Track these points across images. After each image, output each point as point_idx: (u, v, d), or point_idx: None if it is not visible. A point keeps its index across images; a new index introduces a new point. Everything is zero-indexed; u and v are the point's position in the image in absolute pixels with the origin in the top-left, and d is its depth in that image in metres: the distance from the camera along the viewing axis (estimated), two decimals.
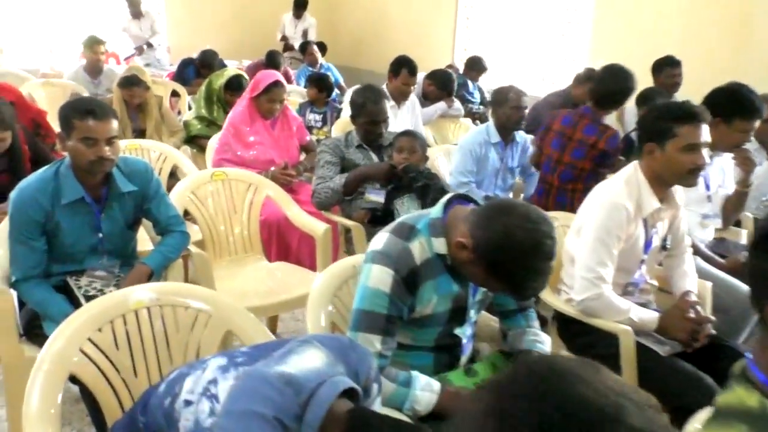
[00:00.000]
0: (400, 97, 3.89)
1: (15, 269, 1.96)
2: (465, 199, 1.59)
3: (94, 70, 4.89)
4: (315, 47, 6.28)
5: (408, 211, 2.53)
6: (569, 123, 3.03)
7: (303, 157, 3.55)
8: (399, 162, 2.60)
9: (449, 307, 1.55)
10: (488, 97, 5.54)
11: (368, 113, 2.80)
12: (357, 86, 2.97)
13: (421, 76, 4.51)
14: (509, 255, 1.33)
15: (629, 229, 1.92)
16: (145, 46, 6.72)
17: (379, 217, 2.70)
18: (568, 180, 3.04)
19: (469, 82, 5.51)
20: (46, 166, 2.03)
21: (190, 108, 5.19)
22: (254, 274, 2.64)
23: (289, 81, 5.77)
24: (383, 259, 1.48)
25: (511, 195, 3.26)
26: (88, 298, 1.96)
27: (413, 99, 4.05)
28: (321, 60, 6.38)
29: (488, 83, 5.75)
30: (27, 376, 1.33)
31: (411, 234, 1.50)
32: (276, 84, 3.28)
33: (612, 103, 3.04)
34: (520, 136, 3.20)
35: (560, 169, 3.05)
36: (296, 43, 7.67)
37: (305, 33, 7.84)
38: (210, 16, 8.09)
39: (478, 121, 4.98)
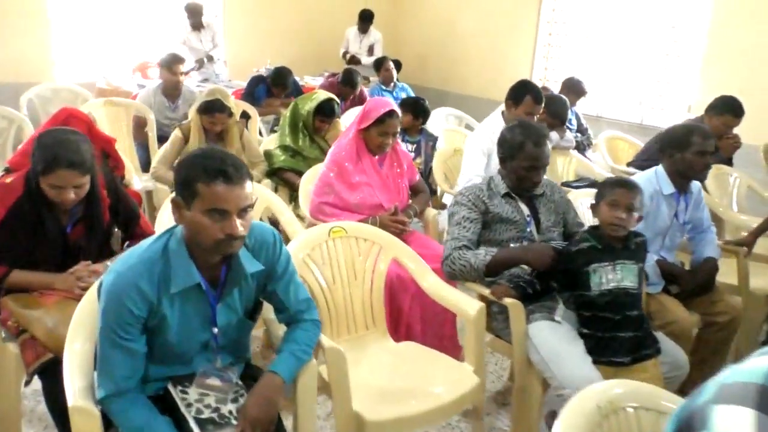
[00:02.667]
0: None
1: (105, 380, 1.43)
2: None
3: (172, 92, 4.41)
4: (391, 64, 5.76)
5: (603, 281, 1.96)
6: None
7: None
8: (611, 222, 2.01)
9: None
10: (585, 124, 4.95)
11: (528, 156, 2.23)
12: (511, 124, 2.40)
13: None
14: None
15: None
16: (205, 59, 6.28)
17: (529, 292, 2.13)
18: None
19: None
20: (148, 241, 1.50)
21: (261, 133, 4.71)
22: (383, 360, 2.08)
23: (363, 102, 5.24)
24: None
25: (674, 257, 2.66)
26: (201, 423, 1.42)
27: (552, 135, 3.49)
28: (395, 78, 5.85)
29: (579, 108, 5.16)
30: None
31: None
32: (391, 114, 2.74)
33: None
34: (694, 184, 2.59)
35: None
36: (363, 60, 7.17)
37: (371, 48, 7.33)
38: (269, 29, 7.64)
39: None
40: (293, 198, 3.47)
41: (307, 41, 7.80)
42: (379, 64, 5.83)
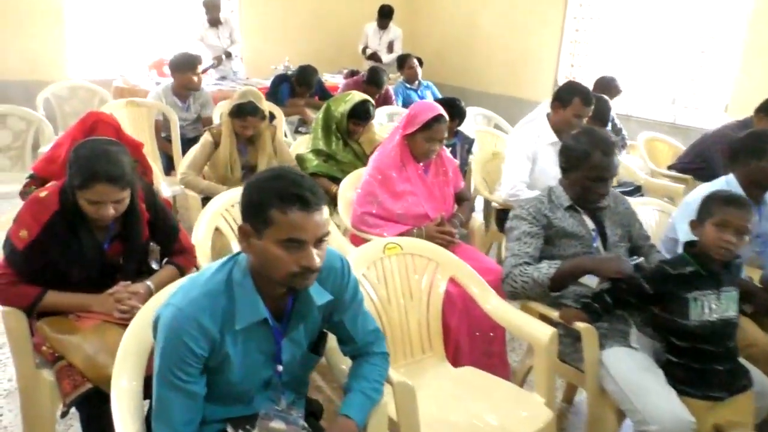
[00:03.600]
0: (569, 132, 3.14)
1: (163, 427, 1.28)
2: None
3: (184, 92, 4.25)
4: (416, 61, 5.58)
5: (706, 312, 1.79)
6: None
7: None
8: (719, 246, 1.80)
9: None
10: (619, 124, 4.77)
11: (594, 167, 2.06)
12: (576, 130, 2.23)
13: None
14: None
15: None
16: (223, 56, 6.12)
17: (596, 311, 1.96)
18: None
19: None
20: (209, 271, 1.34)
21: (285, 134, 4.55)
22: (445, 388, 1.92)
23: (389, 102, 5.09)
24: None
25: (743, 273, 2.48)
26: None
27: None
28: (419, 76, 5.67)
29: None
30: None
31: None
32: (438, 119, 2.58)
33: None
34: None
35: None
36: (383, 57, 6.99)
37: (390, 45, 7.15)
38: (286, 25, 7.47)
39: None
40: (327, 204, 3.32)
41: (325, 37, 7.63)
42: (403, 62, 5.66)
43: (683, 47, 5.50)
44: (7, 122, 3.83)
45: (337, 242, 2.44)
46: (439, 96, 5.78)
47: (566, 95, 3.07)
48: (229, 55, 6.13)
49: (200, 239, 2.30)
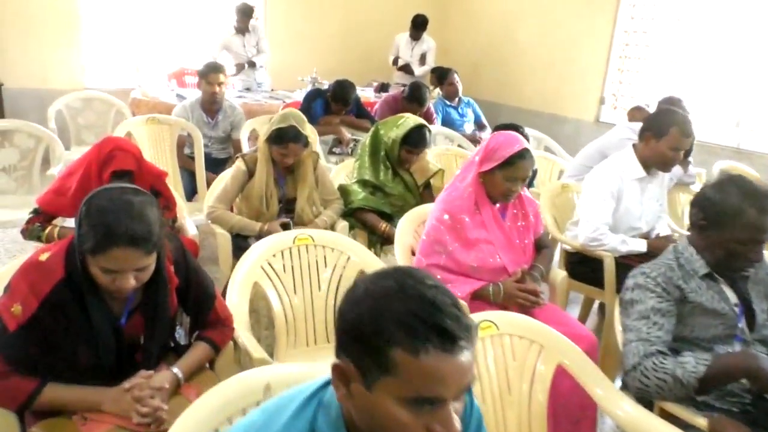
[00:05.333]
0: (662, 167, 2.70)
1: None
2: None
3: (211, 106, 3.84)
4: (457, 76, 5.14)
5: None
6: None
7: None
8: None
9: None
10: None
11: (748, 226, 1.61)
12: (719, 178, 1.78)
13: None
14: None
15: None
16: (246, 65, 5.72)
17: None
18: None
19: None
20: (282, 409, 0.90)
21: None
22: None
23: (430, 121, 4.65)
24: None
25: None
26: None
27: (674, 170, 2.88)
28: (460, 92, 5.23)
29: None
30: None
31: None
32: (523, 155, 2.14)
33: None
34: None
35: None
36: (415, 69, 6.58)
37: (423, 57, 6.73)
38: (313, 35, 7.07)
39: None
40: (372, 243, 2.89)
41: (354, 48, 7.23)
42: (443, 76, 5.23)
43: (747, 64, 5.02)
44: (13, 139, 3.43)
45: None
46: (481, 114, 5.36)
47: (662, 124, 2.62)
48: (252, 64, 5.74)
49: (236, 302, 1.86)
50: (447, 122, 5.02)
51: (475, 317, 1.61)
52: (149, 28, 6.26)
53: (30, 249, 2.32)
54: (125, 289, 1.37)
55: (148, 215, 1.36)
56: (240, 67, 5.73)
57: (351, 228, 2.87)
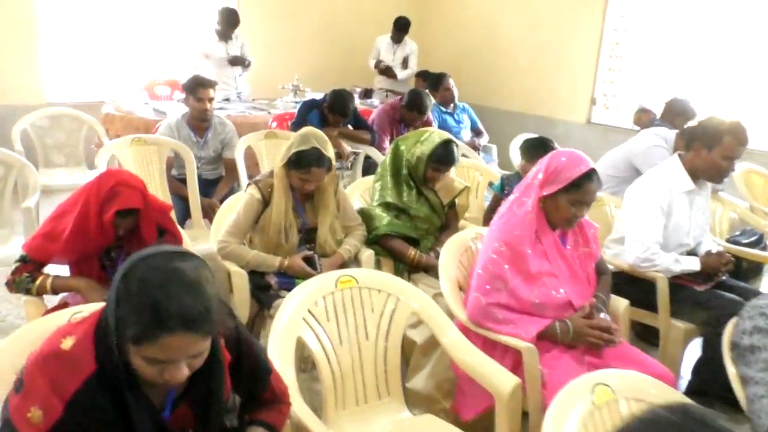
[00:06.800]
0: (715, 178, 2.52)
1: None
2: None
3: (200, 124, 3.49)
4: (452, 81, 4.91)
5: None
6: None
7: None
8: None
9: None
10: None
11: None
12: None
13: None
14: None
15: None
16: (242, 68, 5.40)
17: None
18: None
19: None
20: None
21: None
22: None
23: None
24: None
25: None
26: None
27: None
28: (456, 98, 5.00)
29: None
30: None
31: None
32: (591, 176, 1.91)
33: None
34: None
35: None
36: (398, 73, 6.33)
37: (405, 60, 6.49)
38: (291, 39, 6.72)
39: None
40: (399, 271, 2.63)
41: (333, 52, 6.93)
42: (437, 82, 4.97)
43: (743, 61, 4.94)
44: None
45: (463, 353, 1.73)
46: (477, 119, 5.14)
47: (713, 133, 2.43)
48: (248, 64, 5.37)
49: (281, 367, 1.54)
50: (443, 130, 4.74)
51: (589, 381, 1.36)
52: (114, 36, 5.82)
53: (12, 299, 1.98)
54: (177, 381, 1.08)
55: (205, 287, 1.06)
56: (242, 62, 5.34)
57: (376, 256, 2.60)
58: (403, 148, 2.69)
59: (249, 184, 2.42)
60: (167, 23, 6.07)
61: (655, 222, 2.45)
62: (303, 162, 2.25)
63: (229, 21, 5.13)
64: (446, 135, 2.68)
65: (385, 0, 7.20)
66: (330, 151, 2.31)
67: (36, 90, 5.39)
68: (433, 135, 2.65)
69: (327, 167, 2.31)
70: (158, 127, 3.66)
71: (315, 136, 2.30)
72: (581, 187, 1.90)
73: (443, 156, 2.59)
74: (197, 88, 3.33)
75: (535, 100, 6.56)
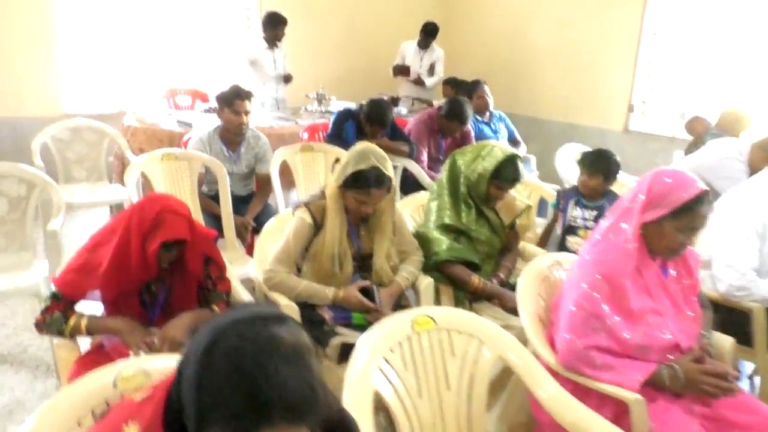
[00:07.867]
0: None
1: None
2: None
3: (234, 138, 3.25)
4: (487, 88, 4.67)
5: None
6: None
7: None
8: None
9: None
10: None
11: None
12: None
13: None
14: None
15: None
16: (283, 80, 5.26)
17: None
18: None
19: None
20: None
21: None
22: None
23: (467, 140, 4.17)
24: None
25: None
26: None
27: None
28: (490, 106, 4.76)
29: None
30: None
31: None
32: (702, 199, 1.66)
33: None
34: None
35: None
36: (426, 80, 6.11)
37: (431, 67, 6.26)
38: (315, 47, 6.51)
39: None
40: (459, 300, 2.39)
41: (358, 60, 6.72)
42: (472, 89, 4.74)
43: None
44: (0, 185, 2.81)
45: (562, 410, 1.48)
46: (514, 129, 4.90)
47: None
48: (289, 79, 5.21)
49: (362, 419, 1.31)
50: (480, 139, 4.54)
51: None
52: (133, 45, 5.63)
53: (34, 327, 1.76)
54: None
55: (309, 362, 0.83)
56: (288, 78, 5.22)
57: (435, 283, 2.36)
58: (461, 163, 2.45)
59: (298, 206, 2.19)
60: (187, 31, 5.87)
61: (750, 246, 2.20)
62: (361, 182, 2.02)
63: (276, 24, 4.97)
64: (510, 150, 2.44)
65: (410, 6, 7.00)
66: (389, 170, 2.08)
67: (54, 101, 5.21)
68: (495, 149, 2.41)
69: (387, 188, 2.07)
70: (187, 141, 3.45)
71: (373, 153, 2.06)
72: (692, 212, 1.65)
73: (509, 173, 2.36)
74: (234, 99, 3.10)
75: (566, 107, 6.32)
